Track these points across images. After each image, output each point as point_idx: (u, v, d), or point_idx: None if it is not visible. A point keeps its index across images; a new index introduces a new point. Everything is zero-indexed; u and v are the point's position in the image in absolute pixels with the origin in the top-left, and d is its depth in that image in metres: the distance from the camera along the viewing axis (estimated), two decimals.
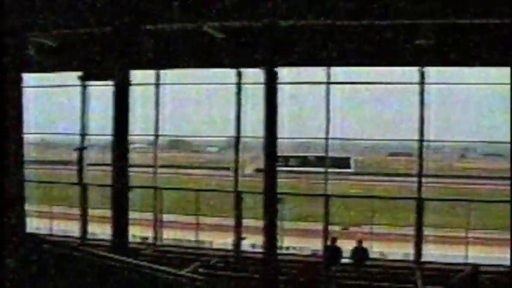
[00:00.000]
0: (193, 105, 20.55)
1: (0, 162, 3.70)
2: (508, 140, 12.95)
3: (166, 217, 18.00)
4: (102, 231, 16.73)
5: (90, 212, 17.99)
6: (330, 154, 16.41)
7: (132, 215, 13.47)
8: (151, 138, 17.42)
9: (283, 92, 14.15)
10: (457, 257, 15.71)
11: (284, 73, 14.44)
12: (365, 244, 15.32)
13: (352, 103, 17.74)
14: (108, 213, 13.65)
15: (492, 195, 21.95)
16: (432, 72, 15.05)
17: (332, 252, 14.93)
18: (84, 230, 17.75)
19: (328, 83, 15.67)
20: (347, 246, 15.13)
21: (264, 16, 12.75)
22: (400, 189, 25.66)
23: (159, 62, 16.40)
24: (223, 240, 17.12)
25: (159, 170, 17.56)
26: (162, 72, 16.89)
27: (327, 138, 15.88)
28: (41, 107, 17.09)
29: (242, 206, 16.39)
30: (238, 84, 16.16)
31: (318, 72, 15.79)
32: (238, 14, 12.81)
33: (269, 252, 13.63)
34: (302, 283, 12.99)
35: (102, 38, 14.29)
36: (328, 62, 15.39)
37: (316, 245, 16.34)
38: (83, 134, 17.57)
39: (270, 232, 13.59)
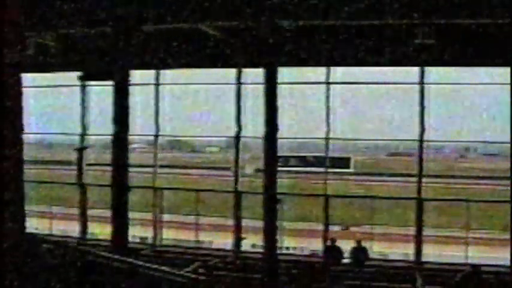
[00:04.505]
0: (193, 105, 20.51)
1: (0, 162, 3.70)
2: (508, 140, 12.97)
3: (166, 217, 17.97)
4: (101, 231, 16.70)
5: (90, 212, 17.95)
6: (330, 154, 16.40)
7: (132, 215, 13.46)
8: (152, 138, 17.39)
9: (283, 92, 14.13)
10: (457, 257, 15.69)
11: (284, 73, 14.43)
12: (365, 244, 15.29)
13: (352, 103, 17.72)
14: (107, 213, 13.65)
15: (492, 195, 21.93)
16: (432, 72, 15.03)
17: (332, 252, 14.90)
18: (84, 230, 17.71)
19: (328, 83, 15.65)
20: (346, 246, 15.13)
21: (264, 16, 12.76)
22: (400, 189, 25.65)
23: (159, 62, 16.37)
24: (223, 240, 17.10)
25: (159, 170, 17.53)
26: (162, 72, 16.87)
27: (327, 138, 15.85)
28: (41, 107, 17.07)
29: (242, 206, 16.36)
30: (238, 84, 16.12)
31: (317, 72, 15.78)
32: (239, 14, 12.81)
33: (269, 252, 13.62)
34: (302, 283, 12.97)
35: (102, 38, 14.29)
36: (328, 62, 15.38)
37: (315, 245, 16.32)
38: (83, 134, 17.54)
39: (270, 232, 13.57)
